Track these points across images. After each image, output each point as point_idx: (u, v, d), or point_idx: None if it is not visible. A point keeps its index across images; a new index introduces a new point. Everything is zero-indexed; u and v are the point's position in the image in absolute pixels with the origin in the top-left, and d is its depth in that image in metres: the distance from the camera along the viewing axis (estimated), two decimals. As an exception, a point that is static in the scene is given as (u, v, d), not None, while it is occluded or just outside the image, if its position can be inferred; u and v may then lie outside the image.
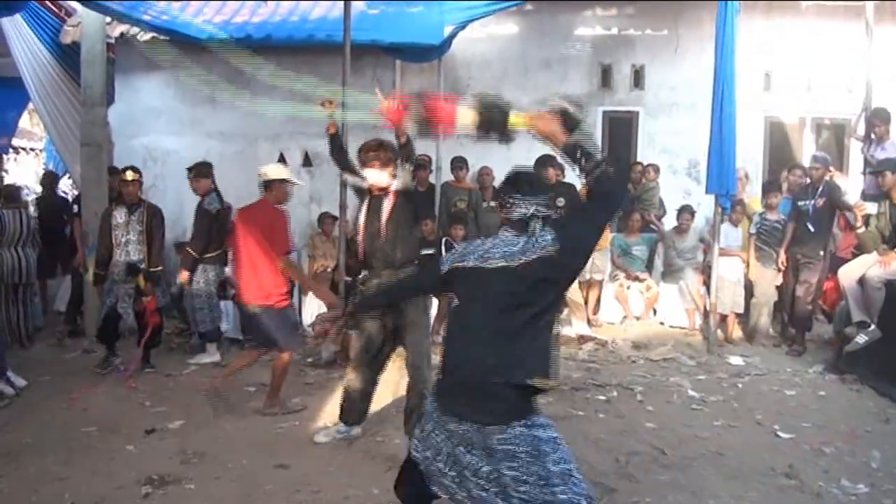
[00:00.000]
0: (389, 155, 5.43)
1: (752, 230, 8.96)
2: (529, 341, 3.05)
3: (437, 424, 3.21)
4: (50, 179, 11.66)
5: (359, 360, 5.59)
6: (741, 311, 9.04)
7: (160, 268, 7.79)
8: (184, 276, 7.87)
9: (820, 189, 8.35)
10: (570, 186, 8.94)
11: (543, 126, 3.12)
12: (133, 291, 7.52)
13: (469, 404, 3.09)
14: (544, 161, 8.70)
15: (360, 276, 8.48)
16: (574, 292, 8.92)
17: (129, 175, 7.63)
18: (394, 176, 5.50)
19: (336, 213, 8.91)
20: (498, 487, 3.08)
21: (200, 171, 8.13)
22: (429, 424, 3.27)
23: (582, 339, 8.80)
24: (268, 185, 6.54)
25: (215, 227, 8.02)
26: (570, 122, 3.09)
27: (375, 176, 5.47)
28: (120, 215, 7.59)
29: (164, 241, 7.91)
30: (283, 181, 6.60)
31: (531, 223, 3.16)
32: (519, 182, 3.24)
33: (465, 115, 3.22)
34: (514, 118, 3.17)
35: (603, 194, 3.06)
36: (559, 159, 3.17)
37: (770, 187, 9.12)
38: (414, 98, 3.45)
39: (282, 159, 10.42)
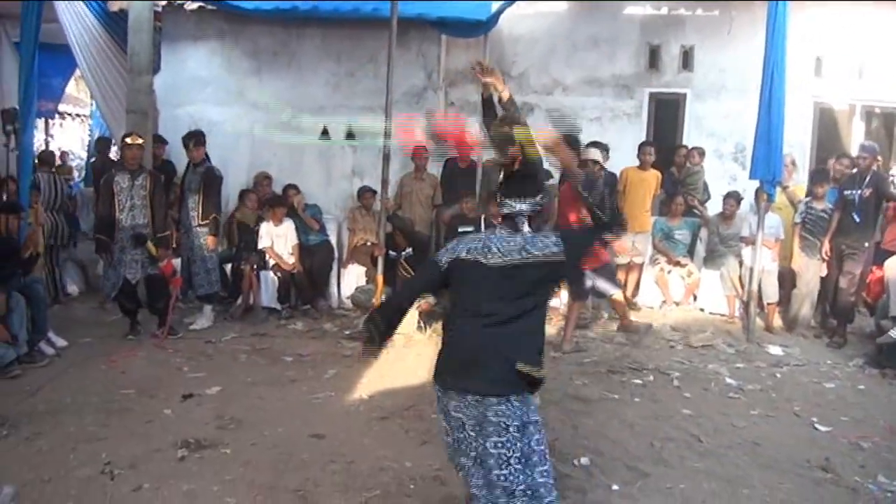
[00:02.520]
0: None
1: (798, 219, 8.79)
2: (523, 328, 3.36)
3: (441, 406, 3.46)
4: (103, 144, 11.92)
5: None
6: (774, 300, 8.90)
7: (168, 232, 8.05)
8: (211, 240, 8.24)
9: (867, 179, 8.18)
10: (611, 176, 8.88)
11: (553, 147, 3.64)
12: (140, 257, 7.61)
13: (470, 377, 3.32)
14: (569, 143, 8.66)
15: (404, 253, 8.58)
16: None
17: (131, 139, 7.71)
18: None
19: (377, 187, 8.91)
20: (483, 471, 3.31)
21: (199, 140, 8.40)
22: (439, 410, 3.52)
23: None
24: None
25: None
26: (573, 143, 3.72)
27: None
28: (123, 181, 7.63)
29: (167, 206, 8.22)
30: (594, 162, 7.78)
31: (517, 220, 3.52)
32: (511, 185, 3.61)
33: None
34: (524, 135, 3.60)
35: (604, 224, 3.72)
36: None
37: (817, 176, 8.91)
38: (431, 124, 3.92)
39: (325, 132, 10.44)
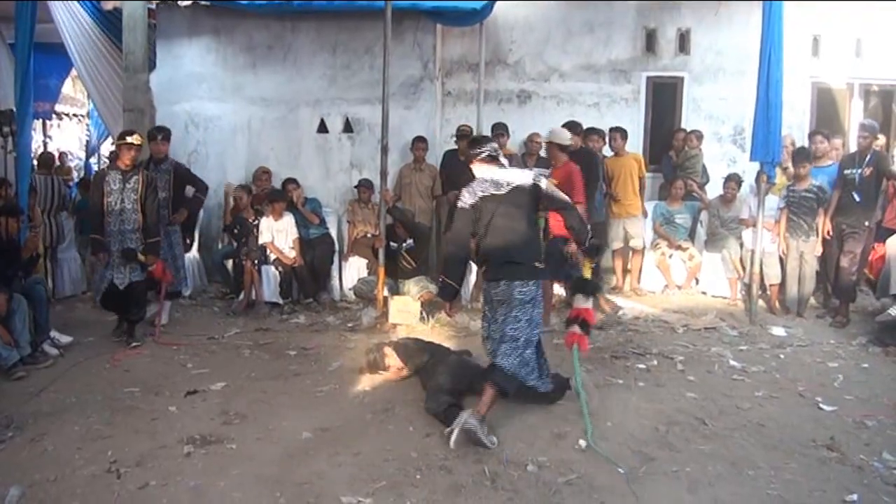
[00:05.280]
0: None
1: (781, 203, 8.69)
2: (531, 234, 5.27)
3: (485, 296, 5.38)
4: None
5: None
6: (776, 282, 8.87)
7: (158, 238, 7.53)
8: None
9: (868, 158, 8.15)
10: (591, 154, 8.85)
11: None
12: (128, 263, 7.29)
13: (508, 271, 5.13)
14: (569, 128, 8.69)
15: (405, 244, 8.57)
16: None
17: (133, 139, 7.30)
18: None
19: (375, 179, 8.90)
20: (500, 325, 5.16)
21: (167, 136, 8.32)
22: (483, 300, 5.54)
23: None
24: (562, 148, 7.82)
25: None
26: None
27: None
28: (114, 181, 7.27)
29: (159, 212, 7.62)
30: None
31: (495, 157, 5.38)
32: (475, 142, 5.57)
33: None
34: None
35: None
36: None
37: (798, 157, 8.68)
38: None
39: (323, 125, 10.43)
